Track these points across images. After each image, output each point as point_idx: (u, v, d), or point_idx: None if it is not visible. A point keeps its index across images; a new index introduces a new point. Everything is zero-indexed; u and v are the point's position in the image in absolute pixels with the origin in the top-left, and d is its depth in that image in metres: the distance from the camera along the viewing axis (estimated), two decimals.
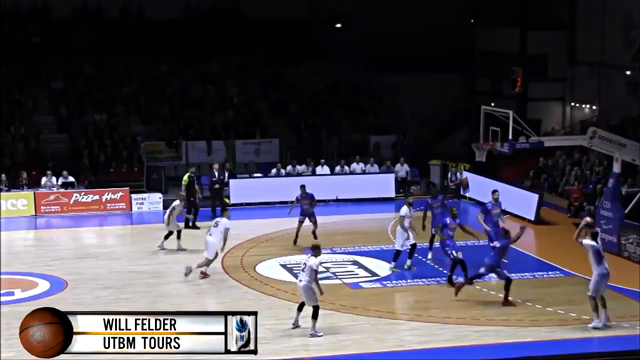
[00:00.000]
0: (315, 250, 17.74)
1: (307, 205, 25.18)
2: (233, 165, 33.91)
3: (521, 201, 29.86)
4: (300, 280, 17.72)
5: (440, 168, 34.98)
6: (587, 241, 18.03)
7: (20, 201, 30.30)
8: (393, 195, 33.03)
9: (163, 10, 41.71)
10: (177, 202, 25.31)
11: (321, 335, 17.68)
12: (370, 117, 39.63)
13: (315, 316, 17.61)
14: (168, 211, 25.19)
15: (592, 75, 38.59)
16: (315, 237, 24.36)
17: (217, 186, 29.73)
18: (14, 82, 38.13)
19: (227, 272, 22.80)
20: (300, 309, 18.11)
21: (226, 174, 31.09)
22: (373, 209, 31.57)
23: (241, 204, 31.52)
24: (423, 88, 41.50)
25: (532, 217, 29.03)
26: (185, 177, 28.66)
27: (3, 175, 30.62)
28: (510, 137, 24.56)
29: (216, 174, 29.87)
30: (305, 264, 17.69)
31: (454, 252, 21.16)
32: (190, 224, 27.61)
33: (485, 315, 19.17)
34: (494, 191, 23.63)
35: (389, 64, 41.29)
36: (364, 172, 33.68)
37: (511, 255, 24.50)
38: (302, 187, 25.49)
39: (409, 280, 22.02)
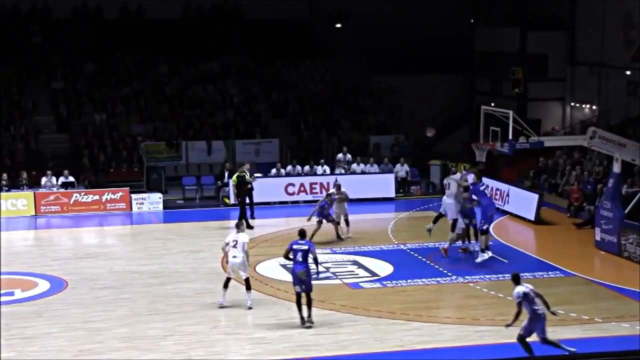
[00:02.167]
0: (241, 227, 19.66)
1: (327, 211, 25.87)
2: (233, 165, 33.85)
3: (521, 201, 29.88)
4: (235, 257, 19.09)
5: (440, 168, 34.98)
6: (516, 290, 15.84)
7: (20, 201, 30.28)
8: (393, 195, 33.04)
9: (163, 10, 41.71)
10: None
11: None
12: (370, 117, 39.62)
13: (249, 288, 19.41)
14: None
15: (592, 75, 38.58)
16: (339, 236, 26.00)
17: (249, 186, 29.50)
18: (14, 82, 38.10)
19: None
20: (226, 286, 19.49)
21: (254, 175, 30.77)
22: (373, 209, 31.57)
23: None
24: (423, 88, 41.52)
25: (532, 217, 29.03)
26: (234, 177, 28.32)
27: (4, 175, 30.61)
28: (510, 137, 24.55)
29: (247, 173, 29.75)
30: (236, 240, 19.13)
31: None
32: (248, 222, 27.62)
33: (485, 315, 19.17)
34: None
35: (389, 64, 41.30)
36: (363, 172, 33.67)
37: (511, 255, 24.60)
38: (329, 195, 26.15)
39: (409, 280, 22.02)
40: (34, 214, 30.27)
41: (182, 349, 17.29)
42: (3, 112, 35.81)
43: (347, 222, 26.41)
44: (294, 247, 18.32)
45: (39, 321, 18.83)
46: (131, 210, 30.99)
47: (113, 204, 30.97)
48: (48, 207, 30.40)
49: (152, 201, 31.30)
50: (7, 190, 30.41)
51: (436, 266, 23.31)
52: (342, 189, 26.38)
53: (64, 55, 39.95)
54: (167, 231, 28.26)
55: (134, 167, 34.88)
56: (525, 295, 15.73)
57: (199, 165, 35.87)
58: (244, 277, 19.32)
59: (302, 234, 18.64)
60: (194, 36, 41.49)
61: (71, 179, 31.29)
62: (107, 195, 31.01)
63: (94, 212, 30.67)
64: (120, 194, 31.08)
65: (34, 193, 30.47)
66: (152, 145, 35.11)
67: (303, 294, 18.20)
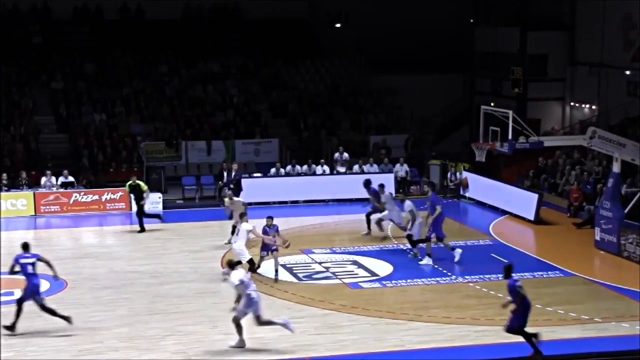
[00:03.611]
0: (244, 217, 21.61)
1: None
2: (232, 165, 33.82)
3: (521, 201, 29.87)
4: (235, 242, 21.28)
5: (440, 168, 34.99)
6: (233, 278, 17.01)
7: (20, 201, 30.27)
8: (392, 195, 32.95)
9: (163, 10, 41.71)
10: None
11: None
12: (370, 117, 39.62)
13: (252, 268, 20.93)
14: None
15: (592, 75, 38.60)
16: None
17: (231, 186, 29.64)
18: (14, 82, 38.10)
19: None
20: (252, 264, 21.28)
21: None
22: None
23: None
24: (423, 88, 41.53)
25: (531, 217, 29.03)
26: (127, 185, 28.65)
27: (3, 175, 30.59)
28: (510, 137, 24.55)
29: (233, 174, 29.96)
30: (239, 229, 21.25)
31: None
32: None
33: (485, 315, 19.18)
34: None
35: (389, 64, 41.31)
36: (363, 172, 33.64)
37: (511, 255, 24.58)
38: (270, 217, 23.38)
39: (408, 280, 22.02)
40: (33, 213, 30.26)
41: (182, 348, 17.29)
42: (3, 112, 35.80)
43: (233, 229, 23.78)
44: (21, 261, 18.19)
45: (38, 321, 18.81)
46: (131, 210, 30.91)
47: (112, 204, 30.97)
48: (48, 207, 30.39)
49: (151, 201, 31.14)
50: (6, 190, 30.40)
51: (436, 266, 23.31)
52: (235, 198, 25.04)
53: (64, 55, 39.94)
54: (166, 231, 28.24)
55: (133, 167, 34.81)
56: (241, 282, 16.93)
57: (198, 165, 35.85)
58: (246, 260, 20.81)
59: (25, 246, 18.48)
60: (194, 36, 41.51)
61: (71, 178, 31.28)
62: (107, 195, 30.99)
63: (94, 212, 30.66)
64: (120, 193, 31.03)
65: (34, 193, 30.46)
66: (152, 145, 35.09)
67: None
